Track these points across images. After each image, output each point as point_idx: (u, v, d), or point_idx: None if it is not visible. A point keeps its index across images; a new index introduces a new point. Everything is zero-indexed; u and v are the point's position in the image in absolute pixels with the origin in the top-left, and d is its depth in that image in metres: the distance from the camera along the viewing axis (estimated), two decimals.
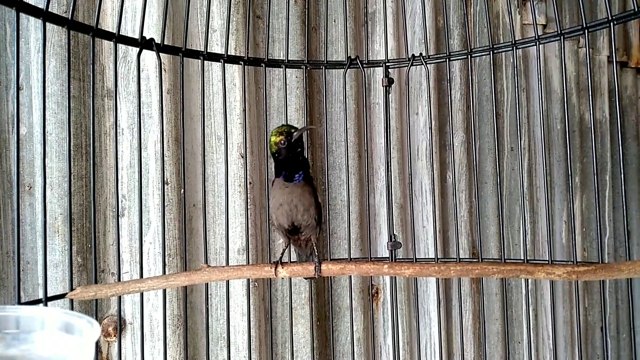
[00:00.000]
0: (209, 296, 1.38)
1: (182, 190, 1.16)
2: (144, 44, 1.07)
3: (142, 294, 1.06)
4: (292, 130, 1.08)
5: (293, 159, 1.08)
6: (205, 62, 1.18)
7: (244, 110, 1.24)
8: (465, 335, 1.79)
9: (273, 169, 1.14)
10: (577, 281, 1.03)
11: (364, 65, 1.27)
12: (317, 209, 1.10)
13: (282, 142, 1.07)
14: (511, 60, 1.93)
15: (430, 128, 1.26)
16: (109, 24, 1.32)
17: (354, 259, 1.25)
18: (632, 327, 1.02)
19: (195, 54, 1.17)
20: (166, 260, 1.22)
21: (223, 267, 1.09)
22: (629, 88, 2.50)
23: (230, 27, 1.38)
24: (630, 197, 2.45)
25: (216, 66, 1.40)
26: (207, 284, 1.16)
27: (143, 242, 1.26)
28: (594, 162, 1.05)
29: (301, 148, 1.09)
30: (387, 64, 1.28)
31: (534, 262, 1.08)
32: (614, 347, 2.40)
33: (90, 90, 1.01)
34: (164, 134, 1.28)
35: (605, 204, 2.36)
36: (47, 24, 0.91)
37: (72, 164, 1.23)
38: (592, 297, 2.31)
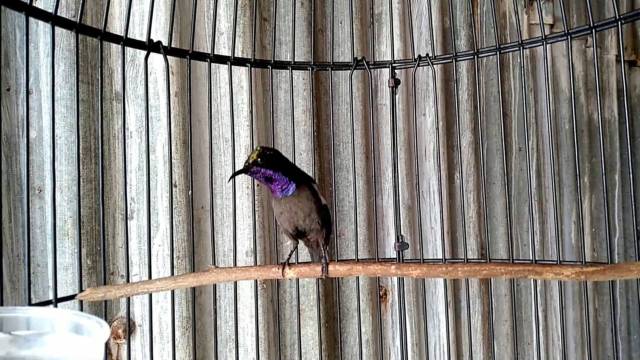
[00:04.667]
0: (218, 298, 1.39)
1: (190, 192, 1.17)
2: (151, 47, 1.08)
3: (151, 296, 1.07)
4: (250, 162, 1.03)
5: (274, 177, 1.05)
6: (213, 64, 1.19)
7: (251, 112, 1.24)
8: (474, 337, 1.78)
9: None
10: (587, 282, 1.02)
11: (371, 67, 1.27)
12: (320, 213, 1.09)
13: (252, 172, 1.04)
14: (518, 60, 1.92)
15: (438, 129, 1.25)
16: (117, 27, 1.33)
17: (362, 259, 1.25)
18: None
19: (202, 57, 1.18)
20: (175, 262, 1.22)
21: (231, 268, 1.09)
22: (637, 87, 2.48)
23: (237, 29, 1.39)
24: None
25: (223, 68, 1.41)
26: (216, 285, 1.17)
27: (152, 244, 1.27)
28: (602, 161, 1.04)
29: (278, 163, 1.05)
30: (393, 65, 1.28)
31: (543, 262, 1.08)
32: (624, 349, 2.38)
33: (98, 94, 1.01)
34: (172, 136, 1.29)
35: (615, 203, 2.34)
36: (56, 27, 0.92)
37: (81, 167, 1.24)
38: (602, 297, 2.29)
